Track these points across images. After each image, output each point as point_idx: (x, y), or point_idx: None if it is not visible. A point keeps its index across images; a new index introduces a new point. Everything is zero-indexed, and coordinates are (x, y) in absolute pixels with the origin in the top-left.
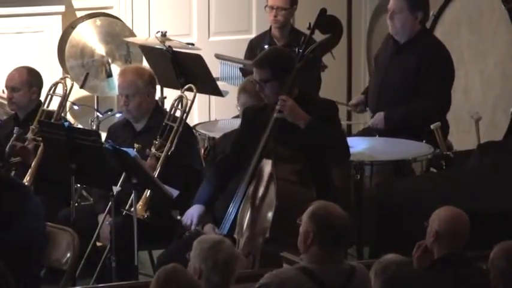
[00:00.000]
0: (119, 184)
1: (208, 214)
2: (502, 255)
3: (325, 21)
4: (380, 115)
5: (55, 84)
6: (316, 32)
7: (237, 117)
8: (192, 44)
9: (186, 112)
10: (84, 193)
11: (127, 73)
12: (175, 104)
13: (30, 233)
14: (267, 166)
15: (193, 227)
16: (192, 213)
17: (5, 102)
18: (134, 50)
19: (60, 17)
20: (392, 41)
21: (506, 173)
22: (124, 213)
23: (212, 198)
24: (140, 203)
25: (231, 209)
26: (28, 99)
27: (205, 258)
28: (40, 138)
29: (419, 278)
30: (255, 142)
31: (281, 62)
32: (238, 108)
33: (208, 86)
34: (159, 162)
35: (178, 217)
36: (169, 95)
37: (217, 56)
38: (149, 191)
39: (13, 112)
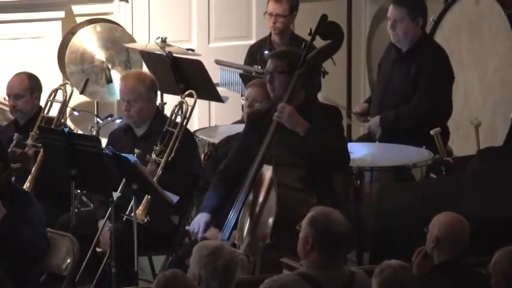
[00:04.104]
0: (119, 190)
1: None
2: (504, 260)
3: (326, 27)
4: (376, 119)
5: (55, 91)
6: (317, 38)
7: (237, 122)
8: (192, 50)
9: (186, 118)
10: (84, 199)
11: (129, 78)
12: (175, 110)
13: (33, 239)
14: (268, 172)
15: (200, 235)
16: (199, 221)
17: (5, 108)
18: (134, 55)
19: (60, 22)
20: (394, 49)
21: (506, 178)
22: (124, 218)
23: (218, 206)
24: (140, 207)
25: (232, 215)
26: (31, 105)
27: (205, 264)
28: (40, 144)
29: (418, 283)
30: (258, 147)
31: (297, 59)
32: (242, 102)
33: (209, 91)
34: (159, 168)
35: (187, 227)
36: (170, 101)
37: (217, 62)
38: (149, 196)
39: (13, 118)
